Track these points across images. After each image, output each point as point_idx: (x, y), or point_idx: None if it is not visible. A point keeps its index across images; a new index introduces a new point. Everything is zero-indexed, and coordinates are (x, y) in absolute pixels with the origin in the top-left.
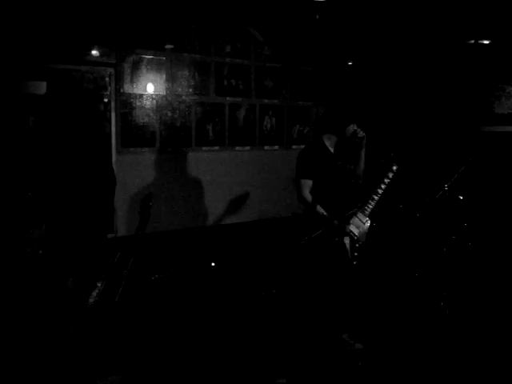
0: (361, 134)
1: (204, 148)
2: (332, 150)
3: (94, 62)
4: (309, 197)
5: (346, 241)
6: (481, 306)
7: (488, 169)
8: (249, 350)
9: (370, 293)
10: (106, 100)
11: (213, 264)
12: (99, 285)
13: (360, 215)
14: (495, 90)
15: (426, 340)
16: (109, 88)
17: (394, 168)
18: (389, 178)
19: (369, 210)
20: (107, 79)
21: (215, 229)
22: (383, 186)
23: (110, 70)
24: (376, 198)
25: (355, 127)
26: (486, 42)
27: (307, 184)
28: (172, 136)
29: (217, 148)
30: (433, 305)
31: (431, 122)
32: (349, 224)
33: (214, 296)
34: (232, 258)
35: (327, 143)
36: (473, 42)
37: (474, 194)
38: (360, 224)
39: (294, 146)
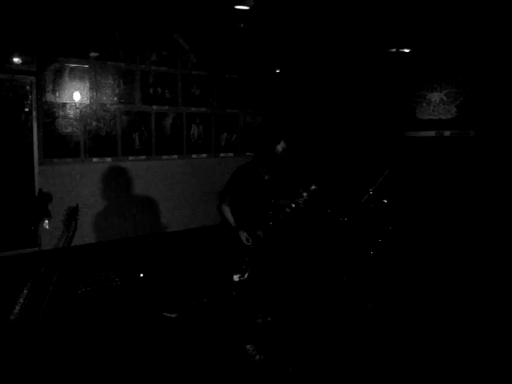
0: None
1: (130, 157)
2: (266, 177)
3: (14, 70)
4: (226, 210)
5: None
6: (408, 308)
7: (411, 173)
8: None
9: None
10: (26, 109)
11: (141, 275)
12: (21, 300)
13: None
14: (417, 96)
15: (356, 340)
16: (30, 97)
17: (312, 187)
18: (302, 198)
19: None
20: (28, 88)
21: (142, 239)
22: (293, 206)
23: (31, 79)
24: (281, 216)
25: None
26: (407, 50)
27: (227, 198)
28: (97, 146)
29: (143, 157)
30: (361, 307)
31: (356, 127)
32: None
33: (141, 308)
34: (160, 268)
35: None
36: (394, 50)
37: (398, 198)
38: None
39: (221, 154)
